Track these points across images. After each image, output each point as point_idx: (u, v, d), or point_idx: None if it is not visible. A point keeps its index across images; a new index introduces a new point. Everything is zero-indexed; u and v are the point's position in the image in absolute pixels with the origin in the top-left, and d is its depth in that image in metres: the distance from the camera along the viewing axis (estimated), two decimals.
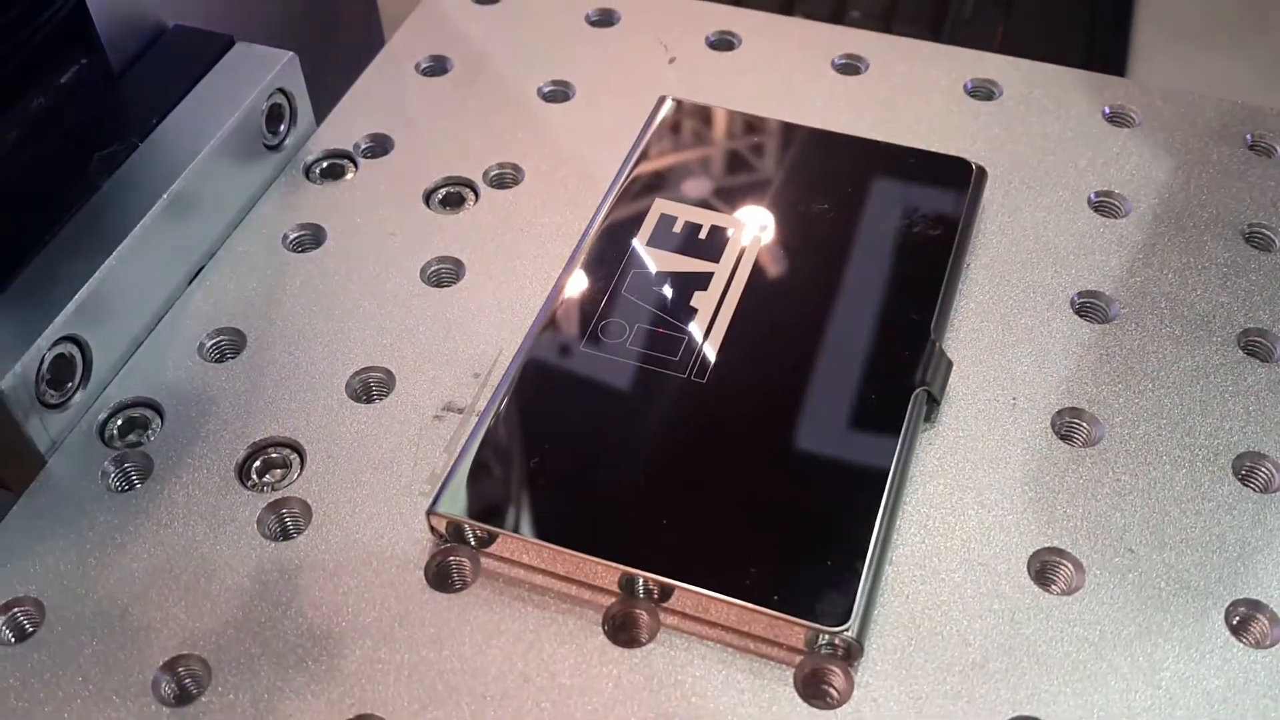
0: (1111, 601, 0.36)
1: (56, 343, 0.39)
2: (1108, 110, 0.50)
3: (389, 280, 0.44)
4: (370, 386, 0.41)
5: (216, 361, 0.42)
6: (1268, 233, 0.46)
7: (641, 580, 0.35)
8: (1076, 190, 0.47)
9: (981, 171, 0.46)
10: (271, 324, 0.43)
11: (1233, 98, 0.50)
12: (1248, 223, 0.46)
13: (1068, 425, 0.40)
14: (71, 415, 0.40)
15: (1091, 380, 0.41)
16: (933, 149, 0.48)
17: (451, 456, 0.39)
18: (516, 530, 0.36)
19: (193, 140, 0.45)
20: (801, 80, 0.52)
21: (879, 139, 0.48)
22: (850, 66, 0.53)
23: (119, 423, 0.40)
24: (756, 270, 0.43)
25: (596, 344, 0.41)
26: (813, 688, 0.34)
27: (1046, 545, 0.37)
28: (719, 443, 0.38)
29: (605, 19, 0.55)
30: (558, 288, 0.42)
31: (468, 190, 0.48)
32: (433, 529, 0.37)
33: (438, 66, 0.53)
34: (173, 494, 0.38)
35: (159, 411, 0.41)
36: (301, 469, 0.39)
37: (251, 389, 0.41)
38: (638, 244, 0.44)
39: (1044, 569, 0.37)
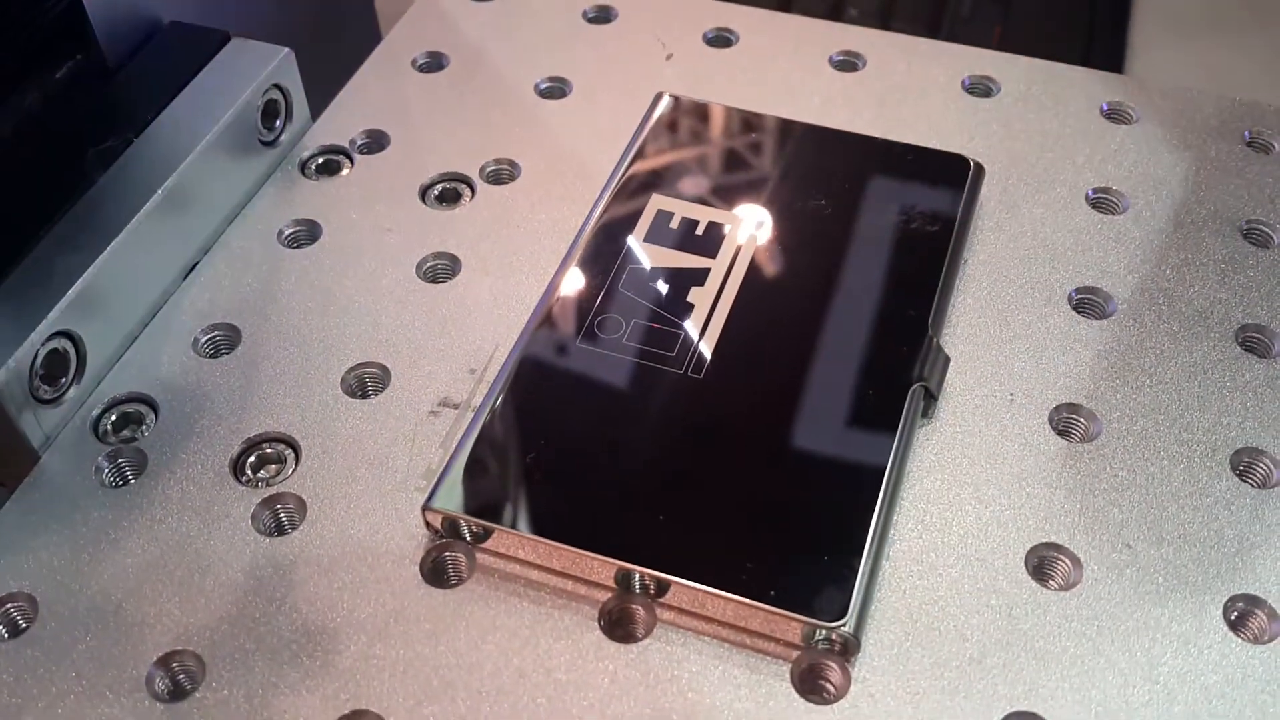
0: (1109, 597, 0.35)
1: (50, 338, 0.39)
2: (1106, 107, 0.50)
3: (385, 276, 0.44)
4: (365, 382, 0.41)
5: (211, 357, 0.42)
6: (1265, 229, 0.46)
7: (638, 576, 0.35)
8: (1074, 187, 0.47)
9: (979, 168, 0.46)
10: (266, 320, 0.43)
11: (1233, 92, 0.50)
12: (1245, 219, 0.46)
13: (1065, 421, 0.40)
14: (65, 410, 0.40)
15: (1089, 376, 0.41)
16: (930, 145, 0.48)
17: (447, 452, 0.39)
18: (512, 526, 0.36)
19: (188, 136, 0.45)
20: (799, 77, 0.52)
21: (876, 135, 0.48)
22: (848, 63, 0.53)
23: (113, 418, 0.40)
24: (753, 266, 0.43)
25: (593, 340, 0.41)
26: (810, 683, 0.34)
27: (1044, 540, 0.37)
28: (715, 438, 0.38)
29: (602, 15, 0.55)
30: (554, 284, 0.42)
31: (464, 186, 0.48)
32: (428, 524, 0.37)
33: (434, 62, 0.53)
34: (167, 489, 0.38)
35: (153, 407, 0.40)
36: (296, 464, 0.39)
37: (246, 384, 0.41)
38: (634, 240, 0.44)
39: (1042, 564, 0.36)
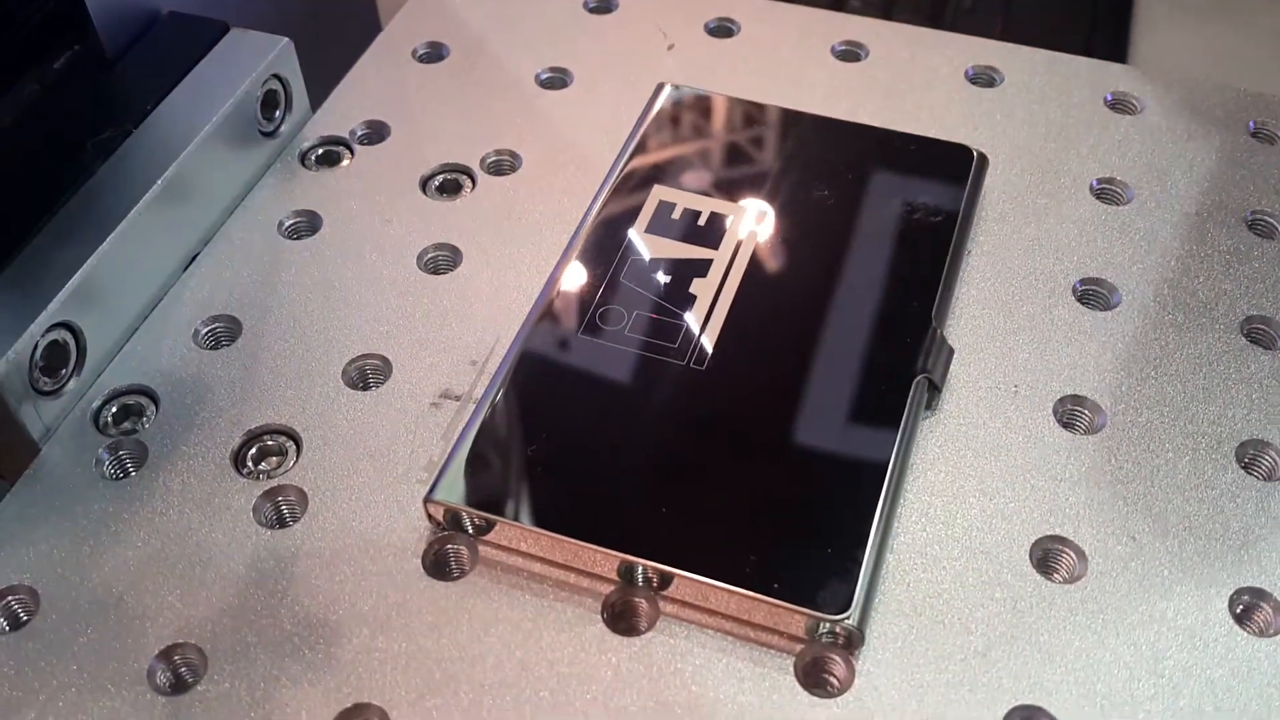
0: (1114, 590, 0.35)
1: (50, 329, 0.39)
2: (1110, 97, 0.50)
3: (385, 267, 0.44)
4: (367, 374, 0.41)
5: (212, 348, 0.42)
6: (1271, 220, 0.45)
7: (640, 568, 0.35)
8: (1078, 177, 0.47)
9: (983, 158, 0.46)
10: (267, 311, 0.43)
11: (1237, 78, 0.50)
12: (1250, 210, 0.46)
13: (1070, 413, 0.40)
14: (65, 402, 0.40)
15: (1094, 368, 0.41)
16: (933, 136, 0.47)
17: (449, 444, 0.38)
18: (514, 518, 0.36)
19: (187, 126, 0.45)
20: (801, 67, 0.52)
21: (879, 126, 0.48)
22: (850, 53, 0.53)
23: (113, 410, 0.40)
24: (756, 257, 0.43)
25: (595, 331, 0.40)
26: (813, 676, 0.34)
27: (1049, 533, 0.37)
28: (718, 430, 0.38)
29: (603, 5, 0.55)
30: (555, 275, 0.42)
31: (465, 177, 0.47)
32: (430, 517, 0.37)
33: (434, 53, 0.53)
34: (168, 481, 0.38)
35: (154, 399, 0.40)
36: (298, 456, 0.39)
37: (247, 376, 0.41)
38: (636, 231, 0.43)
39: (1046, 557, 0.36)
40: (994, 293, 0.43)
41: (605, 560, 0.35)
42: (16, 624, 0.35)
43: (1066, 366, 0.41)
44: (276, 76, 0.48)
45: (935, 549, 0.36)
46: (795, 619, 0.34)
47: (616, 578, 0.35)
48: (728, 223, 0.44)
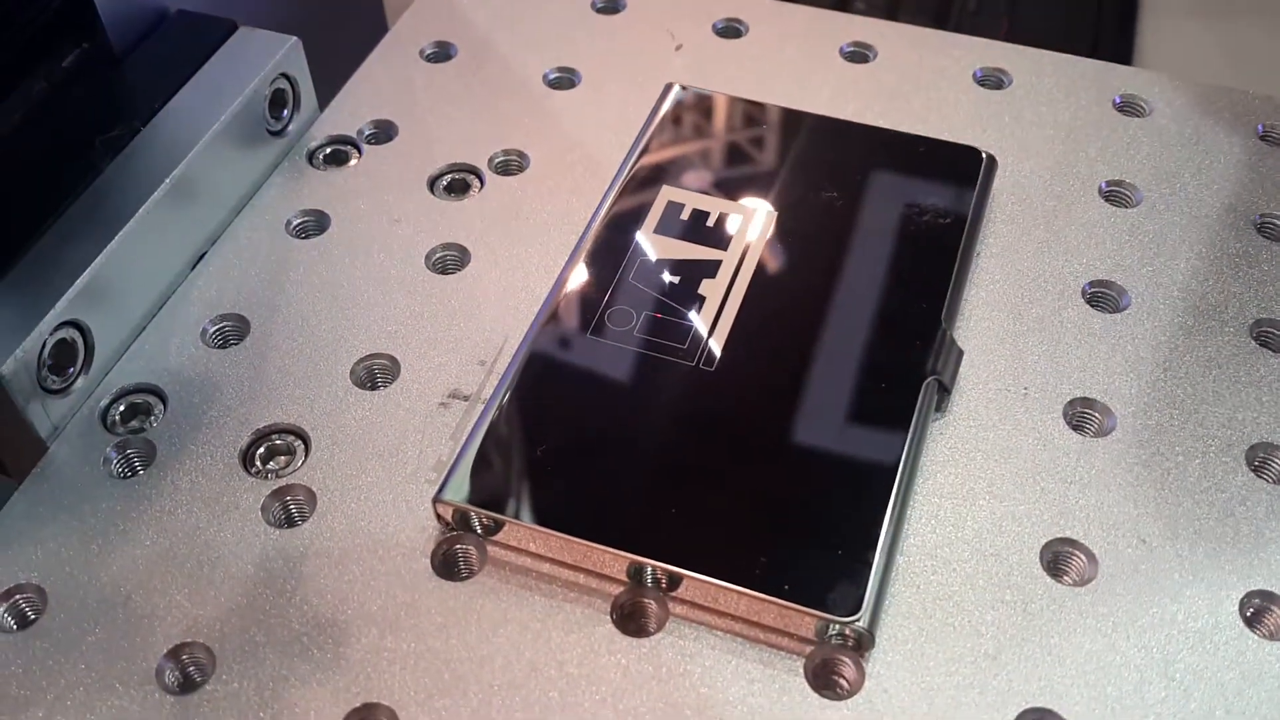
0: (1124, 592, 0.35)
1: (58, 327, 0.39)
2: (1118, 99, 0.50)
3: (393, 267, 0.44)
4: (375, 373, 0.41)
5: (220, 347, 0.42)
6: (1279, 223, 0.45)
7: (650, 569, 0.35)
8: (1087, 180, 0.47)
9: (992, 160, 0.46)
10: (275, 310, 0.43)
11: (1245, 74, 0.50)
12: (1260, 213, 0.46)
13: (1079, 415, 0.40)
14: (73, 401, 0.40)
15: (1103, 370, 0.41)
16: (942, 137, 0.47)
17: (457, 444, 0.38)
18: (523, 518, 0.36)
19: (195, 125, 0.45)
20: (809, 68, 0.52)
21: (887, 127, 0.48)
22: (858, 54, 0.52)
23: (121, 408, 0.40)
24: (765, 258, 0.42)
25: (603, 332, 0.40)
26: (823, 678, 0.34)
27: (1059, 536, 0.36)
28: (727, 431, 0.38)
29: (611, 6, 0.55)
30: (564, 275, 0.42)
31: (473, 177, 0.47)
32: (439, 517, 0.37)
33: (442, 52, 0.53)
34: (176, 480, 0.38)
35: (161, 397, 0.40)
36: (306, 456, 0.39)
37: (255, 375, 0.41)
38: (644, 231, 0.43)
39: (1056, 560, 0.36)
40: (1003, 295, 0.43)
41: (614, 561, 0.35)
42: (25, 623, 0.35)
43: (1076, 369, 0.41)
44: (285, 75, 0.48)
45: (945, 551, 0.36)
46: (805, 621, 0.34)
47: (626, 579, 0.35)
48: (736, 224, 0.44)
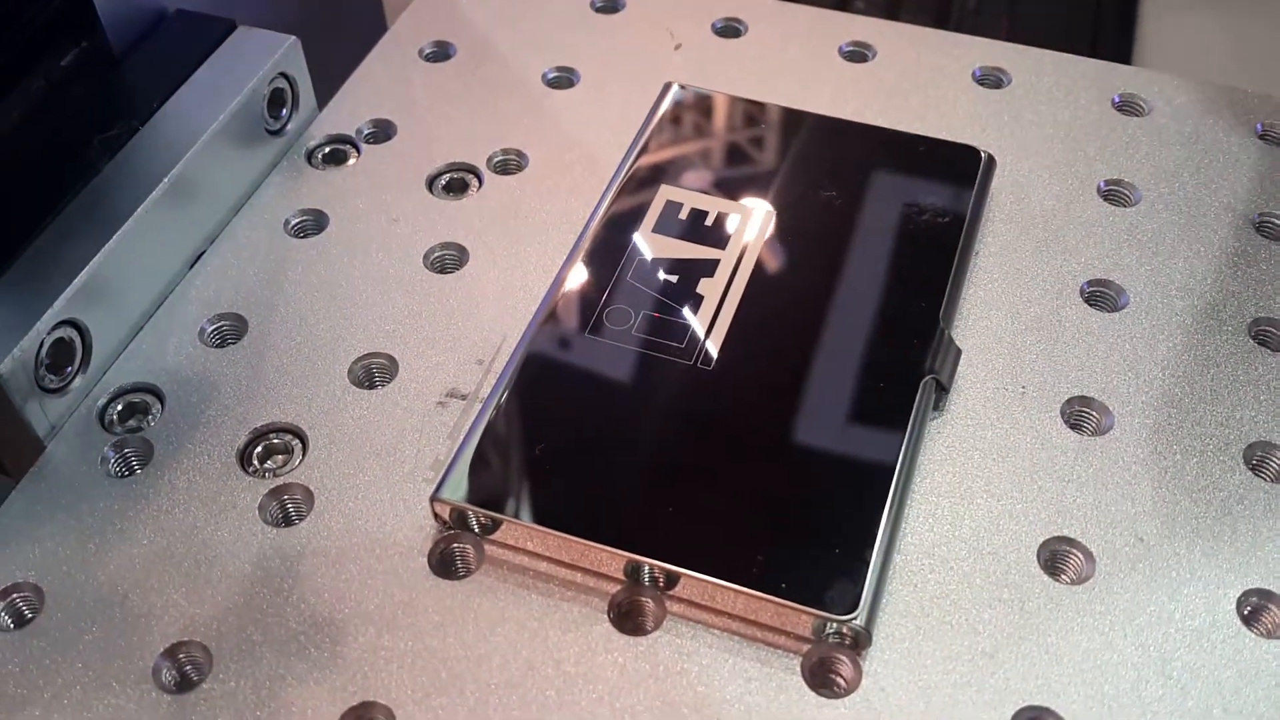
0: (1122, 591, 0.35)
1: (56, 326, 0.39)
2: (1117, 99, 0.50)
3: (392, 266, 0.44)
4: (373, 372, 0.41)
5: (218, 347, 0.42)
6: (1278, 222, 0.45)
7: (647, 568, 0.35)
8: (1086, 179, 0.47)
9: (990, 159, 0.46)
10: (273, 309, 0.43)
11: (1244, 73, 0.50)
12: (1258, 212, 0.46)
13: (1077, 414, 0.40)
14: (71, 400, 0.40)
15: (1101, 369, 0.41)
16: (941, 137, 0.47)
17: (455, 443, 0.38)
18: (521, 517, 0.36)
19: (194, 124, 0.45)
20: (808, 67, 0.52)
21: (887, 126, 0.48)
22: (858, 54, 0.52)
23: (119, 408, 0.40)
24: (763, 257, 0.42)
25: (601, 331, 0.40)
26: (820, 677, 0.34)
27: (1056, 534, 0.36)
28: (725, 430, 0.38)
29: (610, 5, 0.55)
30: (562, 274, 0.42)
31: (471, 176, 0.47)
32: (436, 516, 0.37)
33: (441, 52, 0.53)
34: (173, 480, 0.38)
35: (159, 397, 0.40)
36: (304, 455, 0.39)
37: (253, 374, 0.41)
38: (643, 231, 0.43)
39: (1054, 558, 0.36)
40: (1002, 294, 0.43)
41: (612, 560, 0.35)
42: (21, 621, 0.35)
43: (1074, 368, 0.41)
44: (283, 75, 0.48)
45: (943, 550, 0.36)
46: (802, 619, 0.34)
47: (623, 577, 0.35)
48: (734, 223, 0.44)
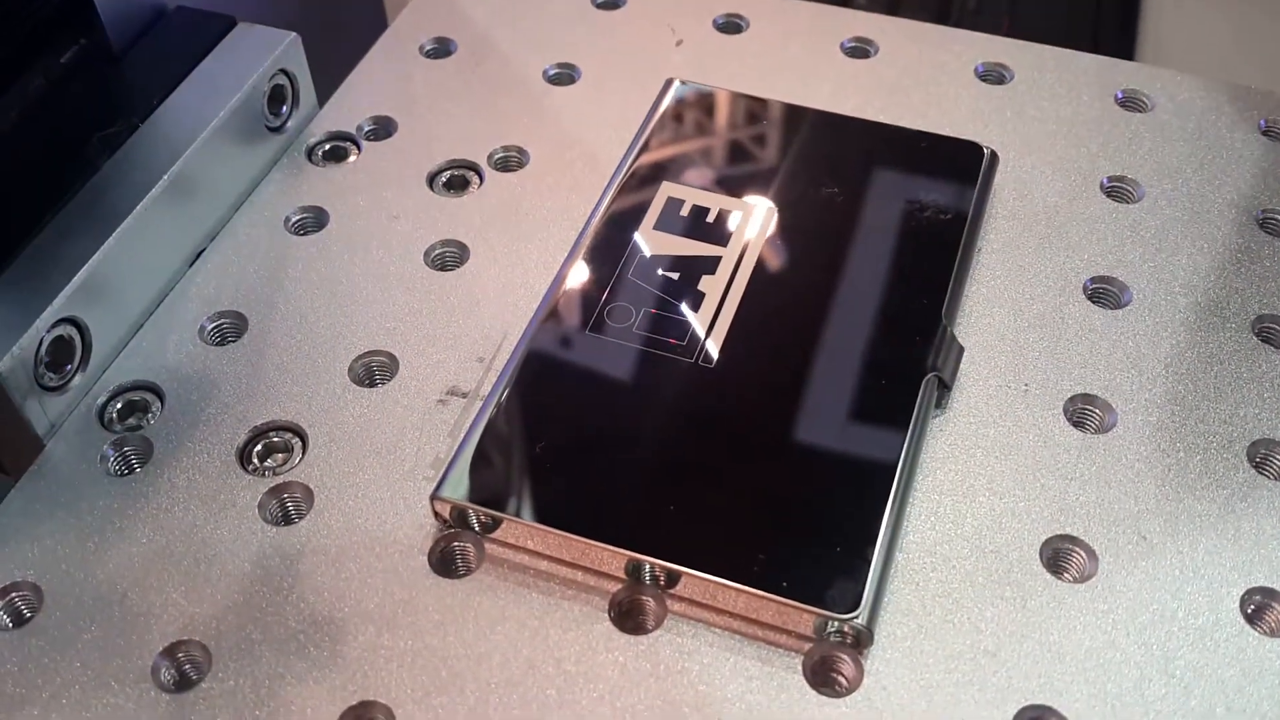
0: (1125, 589, 0.35)
1: (55, 324, 0.39)
2: (1120, 95, 0.50)
3: (392, 264, 0.44)
4: (373, 370, 0.41)
5: (217, 344, 0.42)
6: None
7: (648, 566, 0.35)
8: (1089, 175, 0.47)
9: (993, 156, 0.46)
10: (273, 307, 0.42)
11: (1247, 69, 0.50)
12: (1262, 208, 0.45)
13: (1080, 412, 0.39)
14: (70, 398, 0.39)
15: (1104, 366, 0.40)
16: (943, 133, 0.47)
17: (455, 441, 0.38)
18: (521, 515, 0.35)
19: (194, 121, 0.44)
20: (810, 63, 0.52)
21: (889, 122, 0.48)
22: (859, 50, 0.52)
23: (118, 406, 0.40)
24: (765, 255, 0.42)
25: (602, 328, 0.40)
26: (822, 675, 0.34)
27: (1059, 532, 0.36)
28: (726, 428, 0.38)
29: (611, 1, 0.55)
30: (563, 272, 0.42)
31: (472, 173, 0.47)
32: (436, 514, 0.36)
33: (442, 48, 0.52)
34: (173, 478, 0.38)
35: (159, 395, 0.40)
36: (303, 453, 0.38)
37: (253, 372, 0.41)
38: (644, 228, 0.43)
39: (1056, 556, 0.36)
40: (1004, 291, 0.43)
41: (612, 558, 0.35)
42: (20, 621, 0.35)
43: (1077, 365, 0.41)
44: (283, 72, 0.48)
45: (945, 548, 0.36)
46: (804, 618, 0.34)
47: (624, 576, 0.35)
48: (736, 220, 0.43)
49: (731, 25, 0.54)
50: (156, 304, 0.43)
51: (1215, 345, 0.41)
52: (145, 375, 0.41)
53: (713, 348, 0.39)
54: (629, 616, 0.35)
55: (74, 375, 0.40)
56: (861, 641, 0.34)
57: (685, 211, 0.44)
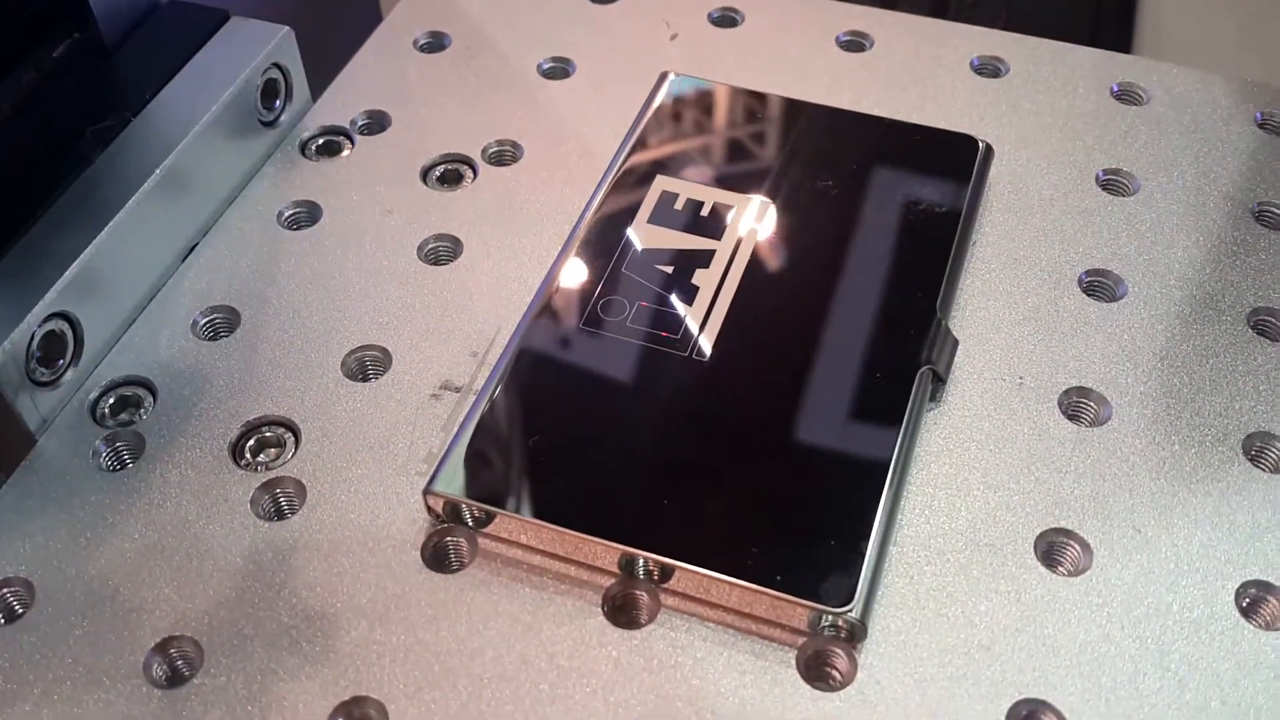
0: (1119, 583, 0.35)
1: (47, 319, 0.38)
2: (1116, 88, 0.50)
3: (386, 258, 0.44)
4: (366, 365, 0.41)
5: (210, 339, 0.41)
6: (1277, 211, 0.45)
7: (641, 561, 0.34)
8: (1084, 168, 0.47)
9: (988, 149, 0.46)
10: (266, 302, 0.42)
11: (1245, 62, 0.50)
12: (1257, 201, 0.45)
13: (1075, 405, 0.39)
14: (62, 393, 0.39)
15: (1099, 359, 0.40)
16: (939, 126, 0.47)
17: (448, 436, 0.38)
18: (515, 510, 0.35)
19: (187, 115, 0.44)
20: (805, 57, 0.52)
21: (884, 116, 0.48)
22: (855, 43, 0.52)
23: (111, 401, 0.40)
24: (759, 248, 0.42)
25: (596, 322, 0.40)
26: (815, 670, 0.34)
27: (1053, 526, 0.36)
28: (721, 422, 0.38)
29: None
30: (556, 266, 0.42)
31: (466, 167, 0.47)
32: (429, 509, 0.36)
33: (436, 42, 0.52)
34: (165, 473, 0.38)
35: (151, 390, 0.40)
36: (296, 448, 0.38)
37: (246, 367, 0.40)
38: (638, 222, 0.43)
39: (1051, 550, 0.36)
40: (999, 284, 0.43)
41: (606, 552, 0.35)
42: (12, 616, 0.35)
43: (1072, 358, 0.40)
44: (277, 65, 0.47)
45: (939, 541, 0.36)
46: (797, 612, 0.33)
47: (617, 570, 0.35)
48: (731, 213, 0.43)
49: (726, 19, 0.53)
50: (149, 298, 0.43)
51: (1210, 338, 0.41)
52: (138, 370, 0.40)
53: (706, 342, 0.39)
54: (622, 611, 0.35)
55: (66, 370, 0.39)
56: (855, 635, 0.34)
57: (679, 205, 0.44)
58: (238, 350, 0.41)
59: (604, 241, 0.42)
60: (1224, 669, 0.33)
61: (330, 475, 0.38)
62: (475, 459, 0.37)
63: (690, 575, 0.34)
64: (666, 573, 0.34)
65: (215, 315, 0.42)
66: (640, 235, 0.43)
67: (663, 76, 0.49)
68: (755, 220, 0.43)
